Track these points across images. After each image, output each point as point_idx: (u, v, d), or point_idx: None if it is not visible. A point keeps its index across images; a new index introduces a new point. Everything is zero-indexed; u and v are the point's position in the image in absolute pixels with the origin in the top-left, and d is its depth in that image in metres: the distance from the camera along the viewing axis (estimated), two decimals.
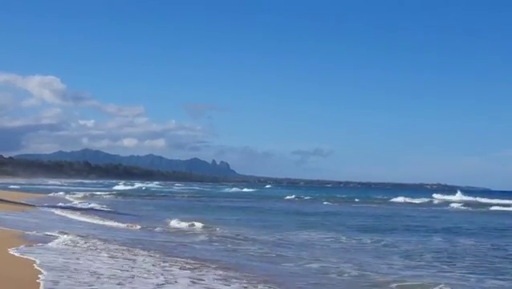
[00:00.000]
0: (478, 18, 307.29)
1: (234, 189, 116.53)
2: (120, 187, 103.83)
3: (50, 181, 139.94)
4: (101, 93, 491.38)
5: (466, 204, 61.99)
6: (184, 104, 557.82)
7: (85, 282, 10.68)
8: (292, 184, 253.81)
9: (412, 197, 71.86)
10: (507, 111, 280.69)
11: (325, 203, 62.32)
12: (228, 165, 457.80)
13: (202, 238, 22.08)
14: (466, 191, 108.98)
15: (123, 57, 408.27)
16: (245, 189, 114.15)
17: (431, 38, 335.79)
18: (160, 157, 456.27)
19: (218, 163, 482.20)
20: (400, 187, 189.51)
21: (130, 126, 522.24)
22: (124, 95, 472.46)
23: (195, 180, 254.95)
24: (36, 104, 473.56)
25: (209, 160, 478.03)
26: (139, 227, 25.46)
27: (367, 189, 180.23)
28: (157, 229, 25.04)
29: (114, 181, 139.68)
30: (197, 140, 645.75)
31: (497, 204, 59.20)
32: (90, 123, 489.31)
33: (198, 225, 26.28)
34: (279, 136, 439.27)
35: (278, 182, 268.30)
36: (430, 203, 63.01)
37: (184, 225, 26.86)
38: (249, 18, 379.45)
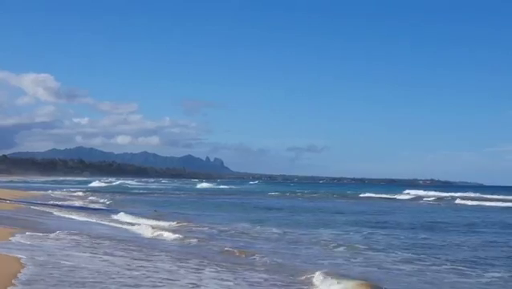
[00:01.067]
0: (476, 14, 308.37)
1: (205, 185, 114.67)
2: (96, 184, 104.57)
3: (36, 179, 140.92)
4: (95, 91, 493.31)
5: (437, 199, 63.42)
6: (178, 101, 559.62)
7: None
8: (286, 180, 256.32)
9: (379, 192, 73.95)
10: (503, 105, 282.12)
11: (300, 199, 63.78)
12: (222, 162, 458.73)
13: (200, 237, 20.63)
14: (459, 186, 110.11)
15: (117, 55, 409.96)
16: (221, 186, 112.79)
17: (426, 31, 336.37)
18: (154, 154, 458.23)
19: (212, 160, 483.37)
20: (396, 183, 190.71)
21: (124, 123, 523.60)
22: (118, 93, 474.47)
23: (189, 177, 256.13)
24: (30, 102, 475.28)
25: (203, 157, 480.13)
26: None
27: (359, 184, 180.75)
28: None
29: (102, 179, 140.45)
30: (191, 138, 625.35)
31: (459, 197, 60.68)
32: (84, 120, 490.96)
33: (182, 224, 24.90)
34: (274, 133, 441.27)
35: (272, 179, 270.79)
36: (396, 200, 64.34)
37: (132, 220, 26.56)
38: (244, 14, 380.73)
